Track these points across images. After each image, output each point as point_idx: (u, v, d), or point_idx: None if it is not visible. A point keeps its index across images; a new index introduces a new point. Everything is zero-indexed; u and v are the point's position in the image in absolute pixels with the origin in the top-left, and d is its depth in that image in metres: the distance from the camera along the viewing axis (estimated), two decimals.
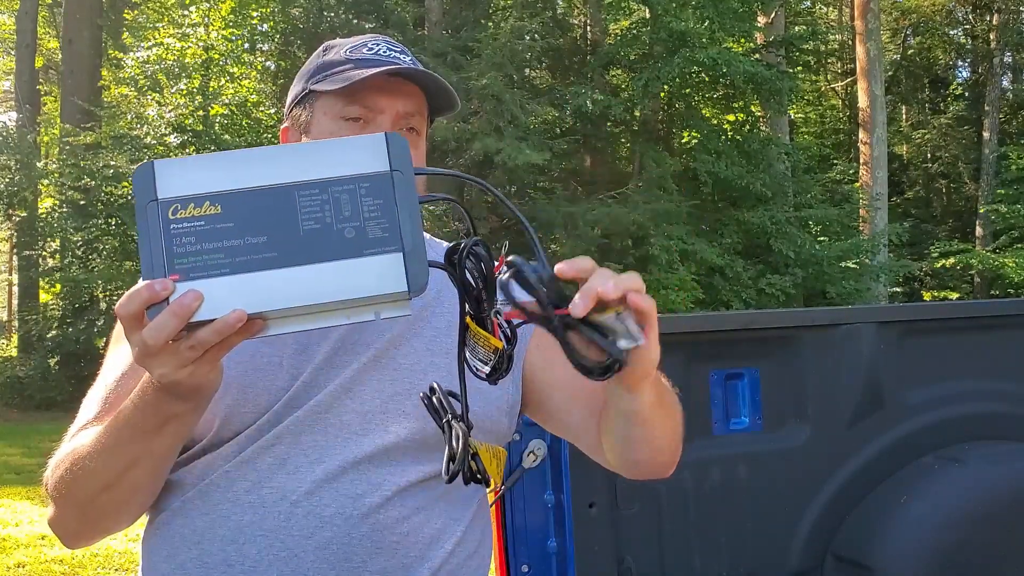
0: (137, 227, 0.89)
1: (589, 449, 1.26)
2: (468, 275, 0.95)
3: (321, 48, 1.30)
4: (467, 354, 0.98)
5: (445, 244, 1.36)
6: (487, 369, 0.97)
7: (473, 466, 0.99)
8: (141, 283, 0.85)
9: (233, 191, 0.89)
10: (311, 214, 0.89)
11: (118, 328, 1.24)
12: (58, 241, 13.81)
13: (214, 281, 0.86)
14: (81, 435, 1.11)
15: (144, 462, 1.05)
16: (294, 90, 1.29)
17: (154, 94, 14.22)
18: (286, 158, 0.91)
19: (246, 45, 14.75)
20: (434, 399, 1.02)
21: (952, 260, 17.12)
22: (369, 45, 1.25)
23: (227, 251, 0.87)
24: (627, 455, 1.17)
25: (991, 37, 20.62)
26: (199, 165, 0.91)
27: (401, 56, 1.25)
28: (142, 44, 16.31)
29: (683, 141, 15.52)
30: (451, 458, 0.98)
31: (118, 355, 1.21)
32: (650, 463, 1.19)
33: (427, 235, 1.37)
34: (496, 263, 0.94)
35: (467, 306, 0.97)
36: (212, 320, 0.84)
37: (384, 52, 1.24)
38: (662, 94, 14.72)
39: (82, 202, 12.89)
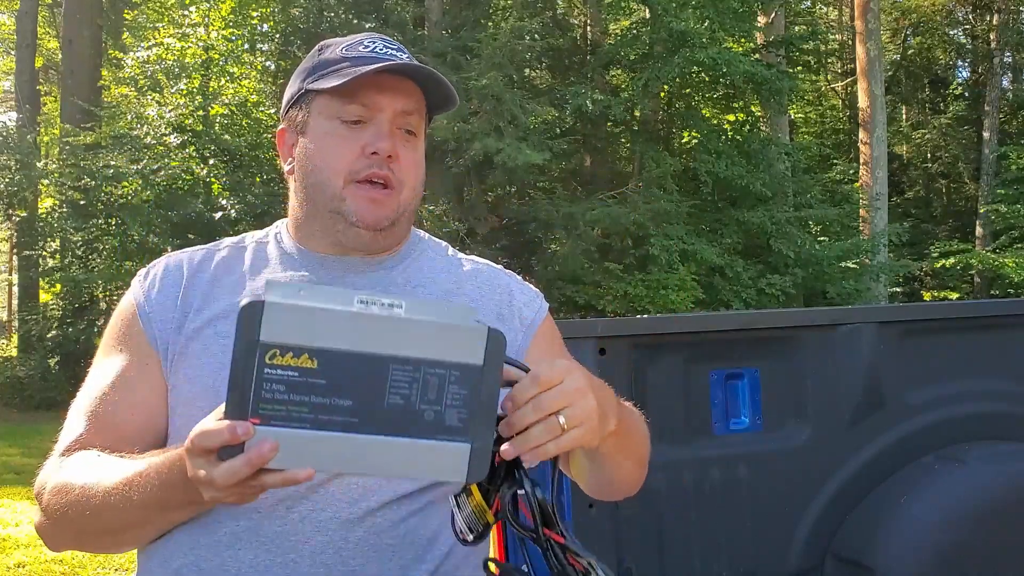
0: (232, 360, 0.90)
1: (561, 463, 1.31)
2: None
3: (316, 48, 1.28)
4: (455, 514, 1.03)
5: (444, 243, 1.36)
6: (471, 536, 1.02)
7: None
8: (223, 422, 0.87)
9: (333, 350, 0.90)
10: (399, 389, 0.92)
11: (109, 332, 1.24)
12: (58, 241, 13.80)
13: (293, 432, 0.88)
14: (81, 465, 1.10)
15: (155, 525, 1.07)
16: (290, 91, 1.28)
17: (154, 94, 14.20)
18: (393, 328, 0.92)
19: (246, 45, 14.74)
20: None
21: (952, 260, 17.10)
22: (365, 43, 1.23)
23: (312, 407, 0.89)
24: (592, 486, 1.24)
25: (991, 37, 20.60)
26: (308, 315, 0.91)
27: (398, 54, 1.23)
28: (142, 44, 16.31)
29: (683, 141, 15.52)
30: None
31: (107, 363, 1.21)
32: (615, 491, 1.26)
33: (426, 235, 1.36)
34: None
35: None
36: (281, 470, 0.88)
37: (381, 50, 1.22)
38: (662, 94, 14.72)
39: (82, 202, 12.88)
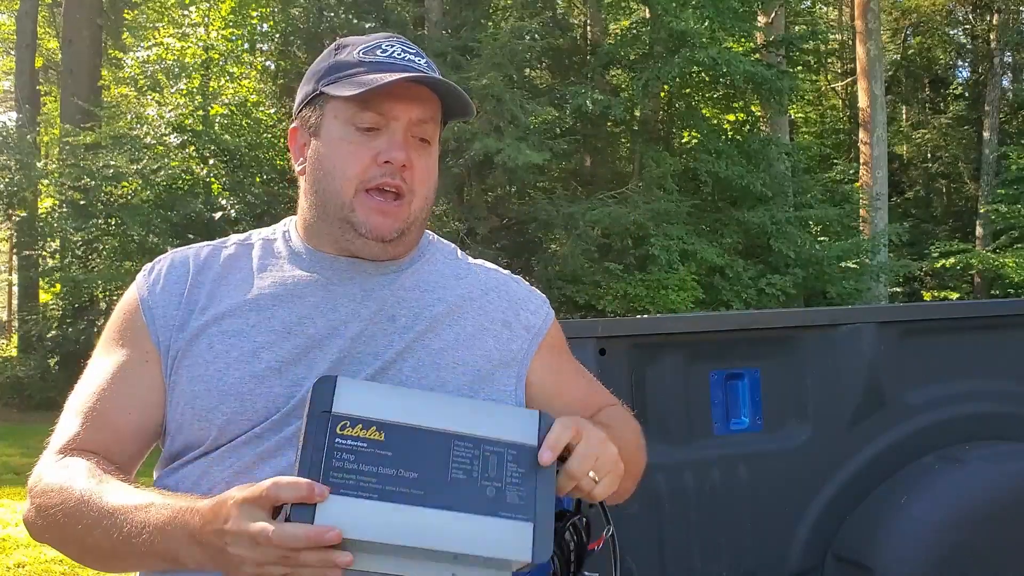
0: (305, 430, 0.95)
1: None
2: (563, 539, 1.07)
3: (333, 46, 1.25)
4: None
5: (452, 245, 1.36)
6: None
7: None
8: (302, 479, 0.91)
9: (399, 424, 0.97)
10: (461, 465, 0.97)
11: (110, 325, 1.23)
12: (58, 241, 13.80)
13: (359, 502, 0.92)
14: (82, 474, 1.09)
15: (145, 566, 1.06)
16: (304, 89, 1.25)
17: (154, 94, 14.20)
18: (452, 407, 1.02)
19: (246, 45, 14.73)
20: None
21: (952, 260, 17.09)
22: (383, 47, 1.21)
23: (380, 478, 0.94)
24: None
25: (991, 37, 20.60)
26: (377, 392, 1.00)
27: (416, 59, 1.20)
28: (142, 44, 16.31)
29: (683, 141, 15.50)
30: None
31: (107, 358, 1.20)
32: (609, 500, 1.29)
33: (436, 236, 1.36)
34: (594, 541, 1.07)
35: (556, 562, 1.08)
36: (325, 551, 0.89)
37: (399, 55, 1.20)
38: (662, 94, 14.70)
39: (82, 202, 12.87)
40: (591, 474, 1.03)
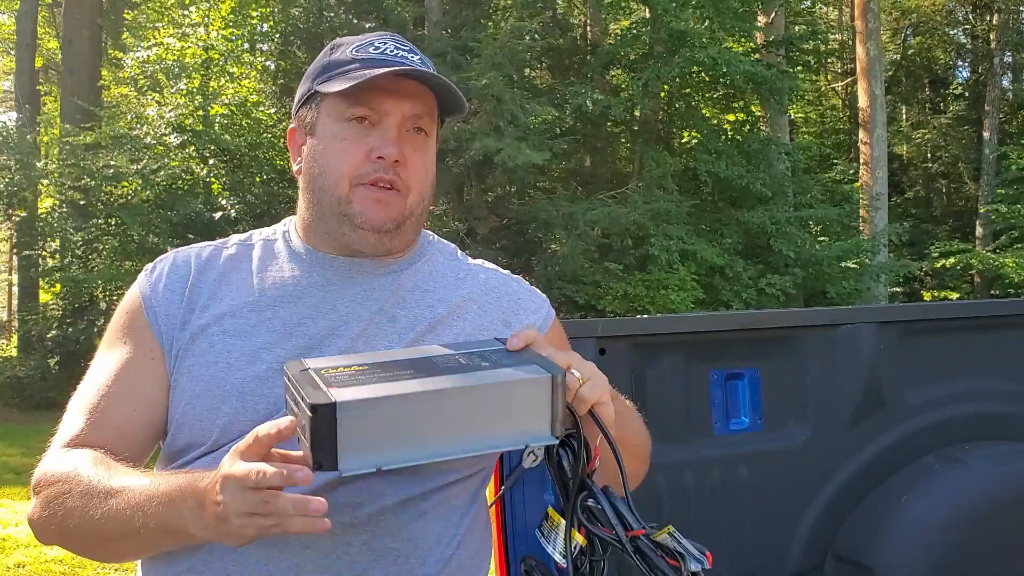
0: (289, 390, 1.00)
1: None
2: (563, 462, 1.05)
3: (328, 47, 1.26)
4: (545, 544, 1.07)
5: (452, 246, 1.36)
6: (564, 563, 1.05)
7: None
8: (278, 419, 0.95)
9: (377, 362, 1.03)
10: (447, 362, 1.02)
11: (113, 325, 1.23)
12: (58, 241, 13.79)
13: (367, 386, 0.94)
14: (88, 461, 1.09)
15: (152, 543, 1.07)
16: (301, 90, 1.26)
17: (154, 94, 14.21)
18: (421, 350, 1.08)
19: (246, 45, 14.73)
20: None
21: (952, 260, 17.09)
22: (376, 44, 1.21)
23: (379, 377, 0.97)
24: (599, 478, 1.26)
25: (991, 37, 20.59)
26: (344, 356, 1.06)
27: (409, 55, 1.21)
28: (142, 44, 16.32)
29: (683, 141, 15.51)
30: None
31: (110, 356, 1.20)
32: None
33: (435, 237, 1.36)
34: (590, 463, 1.04)
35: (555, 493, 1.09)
36: (303, 501, 0.91)
37: (391, 51, 1.20)
38: (662, 94, 14.70)
39: (82, 202, 12.88)
40: (574, 372, 1.03)
